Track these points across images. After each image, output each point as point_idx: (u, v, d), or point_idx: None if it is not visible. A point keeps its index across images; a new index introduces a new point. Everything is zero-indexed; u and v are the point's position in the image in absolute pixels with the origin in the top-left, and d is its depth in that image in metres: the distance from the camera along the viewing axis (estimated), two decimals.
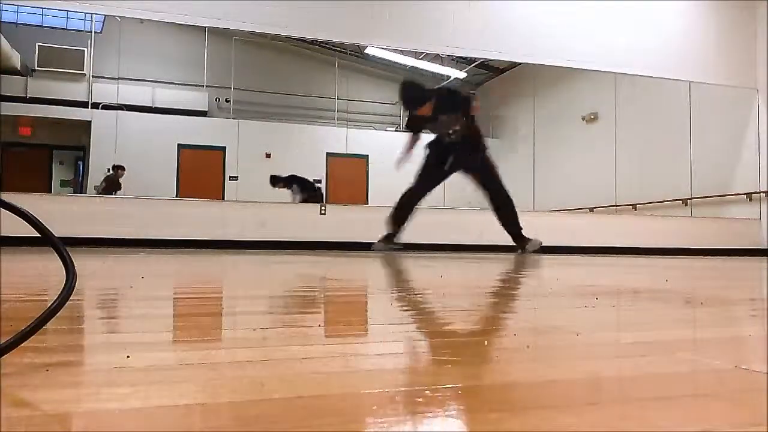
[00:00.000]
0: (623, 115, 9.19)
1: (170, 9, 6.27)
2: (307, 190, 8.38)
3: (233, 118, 9.51)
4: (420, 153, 5.17)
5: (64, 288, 0.63)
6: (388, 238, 5.26)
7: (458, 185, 5.50)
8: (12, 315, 0.97)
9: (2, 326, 0.83)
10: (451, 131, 5.00)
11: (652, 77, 7.73)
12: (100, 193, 8.14)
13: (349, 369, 0.61)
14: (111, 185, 8.27)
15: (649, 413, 0.45)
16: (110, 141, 8.61)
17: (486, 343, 0.81)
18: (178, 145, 9.08)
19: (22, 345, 0.59)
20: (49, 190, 8.96)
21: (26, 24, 8.84)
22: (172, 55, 9.51)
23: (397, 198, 5.23)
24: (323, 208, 6.85)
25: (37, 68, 8.85)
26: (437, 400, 0.48)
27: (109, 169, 8.52)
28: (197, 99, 9.60)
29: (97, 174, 8.56)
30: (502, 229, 5.24)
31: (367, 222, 6.66)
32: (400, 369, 0.63)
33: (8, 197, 0.64)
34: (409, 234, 5.37)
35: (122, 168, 8.35)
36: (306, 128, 9.94)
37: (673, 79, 7.82)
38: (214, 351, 0.72)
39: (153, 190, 8.03)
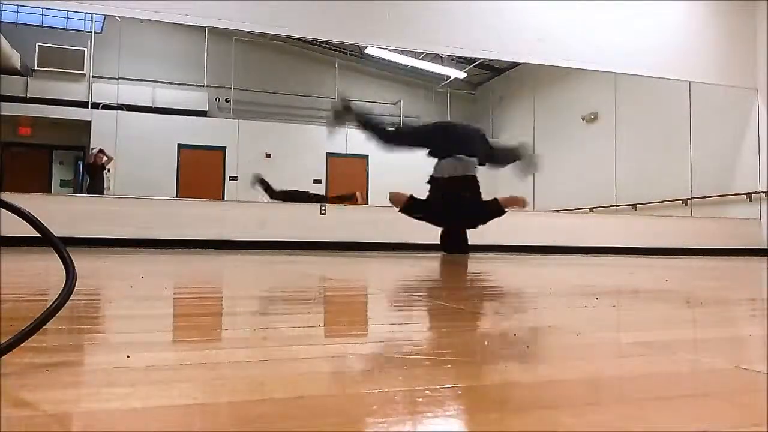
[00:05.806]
0: (623, 115, 9.18)
1: (170, 9, 6.27)
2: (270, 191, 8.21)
3: (233, 118, 9.50)
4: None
5: (64, 288, 0.63)
6: None
7: None
8: (12, 315, 0.97)
9: (2, 326, 0.83)
10: None
11: (652, 77, 7.72)
12: (91, 180, 8.12)
13: (349, 369, 0.61)
14: (93, 169, 8.18)
15: (649, 413, 0.45)
16: (110, 141, 8.59)
17: (486, 343, 0.81)
18: (178, 145, 9.07)
19: (22, 345, 0.59)
20: (49, 190, 8.95)
21: (26, 24, 8.83)
22: (172, 55, 9.50)
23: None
24: (323, 208, 6.85)
25: (37, 68, 8.84)
26: (437, 400, 0.48)
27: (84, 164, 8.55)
28: (197, 99, 9.59)
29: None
30: (504, 230, 5.23)
31: (366, 222, 6.67)
32: (400, 369, 0.63)
33: (8, 197, 0.64)
34: (408, 235, 5.36)
35: (94, 150, 8.28)
36: (306, 128, 9.92)
37: (673, 79, 7.82)
38: (214, 351, 0.72)
39: (153, 190, 8.03)
